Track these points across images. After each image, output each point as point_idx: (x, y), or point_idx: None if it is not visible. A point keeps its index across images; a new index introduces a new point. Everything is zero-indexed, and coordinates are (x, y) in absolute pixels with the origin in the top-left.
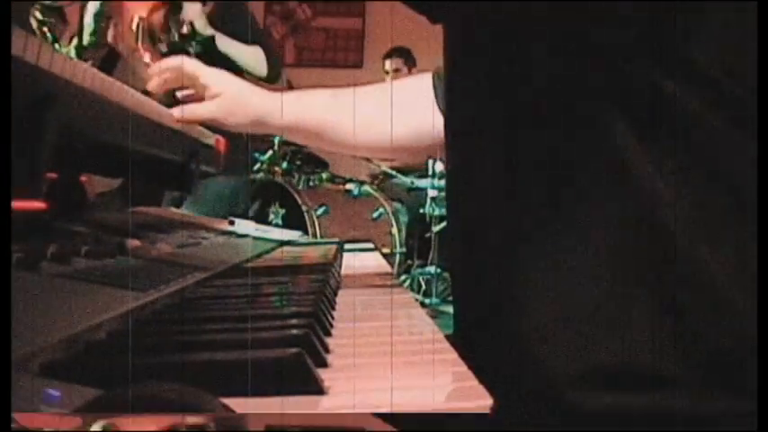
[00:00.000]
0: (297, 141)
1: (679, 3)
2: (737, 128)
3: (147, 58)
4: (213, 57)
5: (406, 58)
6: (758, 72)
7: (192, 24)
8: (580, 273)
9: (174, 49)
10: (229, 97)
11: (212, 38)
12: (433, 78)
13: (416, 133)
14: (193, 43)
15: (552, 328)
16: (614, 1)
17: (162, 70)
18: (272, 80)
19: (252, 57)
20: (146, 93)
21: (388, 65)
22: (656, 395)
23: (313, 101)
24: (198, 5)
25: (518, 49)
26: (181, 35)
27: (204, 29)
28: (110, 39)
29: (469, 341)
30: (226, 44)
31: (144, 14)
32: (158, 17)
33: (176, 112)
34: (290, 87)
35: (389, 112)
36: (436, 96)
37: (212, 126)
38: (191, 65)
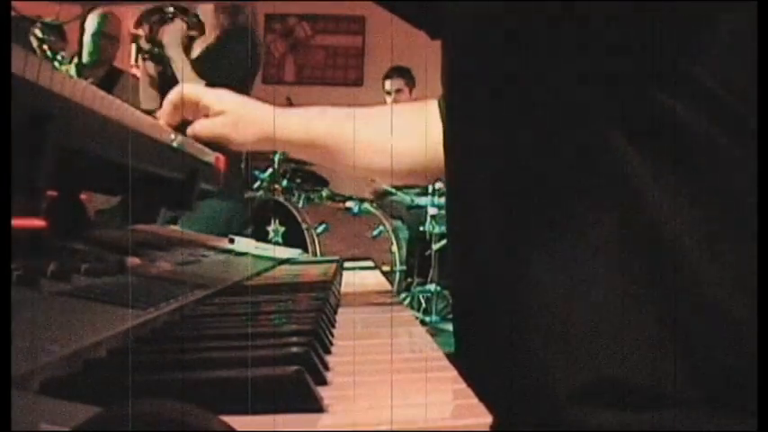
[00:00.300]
0: (302, 158)
1: (680, 15)
2: (738, 144)
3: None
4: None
5: (407, 78)
6: (758, 74)
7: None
8: (580, 288)
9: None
10: (233, 112)
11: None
12: (439, 104)
13: (423, 158)
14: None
15: (552, 344)
16: (613, 18)
17: (169, 106)
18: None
19: (189, 75)
20: (148, 112)
21: (388, 85)
22: (657, 413)
23: (321, 118)
24: (176, 27)
25: (517, 65)
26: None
27: (171, 54)
28: (112, 58)
29: (470, 359)
30: (175, 63)
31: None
32: (144, 30)
33: (188, 132)
34: (290, 105)
35: (397, 135)
36: (442, 120)
37: (220, 145)
38: (190, 90)
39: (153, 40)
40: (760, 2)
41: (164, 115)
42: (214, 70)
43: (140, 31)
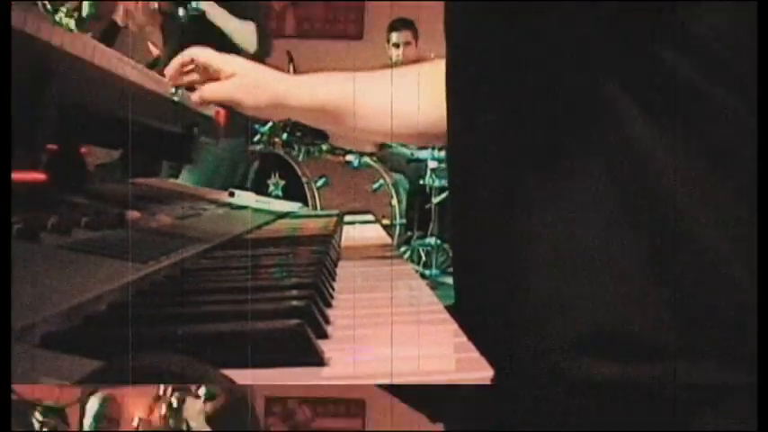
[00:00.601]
0: (314, 125)
1: None
2: (737, 99)
3: (154, 36)
4: (203, 29)
5: (413, 30)
6: (758, 72)
7: None
8: (579, 241)
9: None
10: (244, 76)
11: (202, 11)
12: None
13: (440, 119)
14: (182, 10)
15: (550, 295)
16: None
17: (175, 68)
18: (262, 56)
19: (243, 32)
20: (150, 66)
21: (395, 38)
22: (654, 364)
23: (332, 84)
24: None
25: (519, 22)
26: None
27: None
28: (118, 17)
29: (470, 311)
30: (217, 17)
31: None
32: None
33: (194, 96)
34: (291, 59)
35: (411, 96)
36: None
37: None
38: (201, 53)
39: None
40: (760, 2)
41: (170, 75)
42: None
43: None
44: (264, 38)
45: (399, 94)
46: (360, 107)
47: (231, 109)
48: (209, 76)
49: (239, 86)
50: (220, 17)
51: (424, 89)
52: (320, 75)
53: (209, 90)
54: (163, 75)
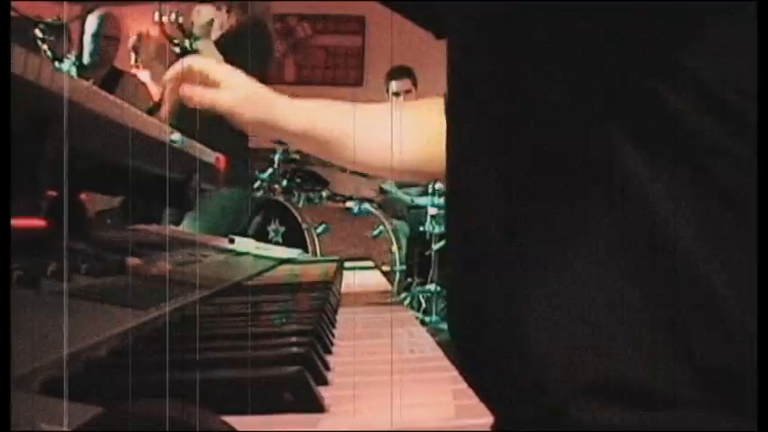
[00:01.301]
0: (303, 149)
1: (681, 13)
2: (739, 142)
3: (146, 77)
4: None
5: (412, 78)
6: (758, 73)
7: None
8: (580, 289)
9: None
10: (243, 90)
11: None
12: (445, 101)
13: (427, 155)
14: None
15: (549, 345)
16: (614, 16)
17: (173, 72)
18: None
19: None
20: (149, 112)
21: (396, 86)
22: (657, 414)
23: (325, 110)
24: (206, 10)
25: (522, 65)
26: (179, 26)
27: (201, 37)
28: (112, 58)
29: (466, 358)
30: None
31: (144, 32)
32: (159, 36)
33: (187, 89)
34: None
35: (403, 132)
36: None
37: (221, 116)
38: (201, 62)
39: (182, 28)
40: (760, 2)
41: (167, 81)
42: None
43: (164, 21)
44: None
45: (387, 127)
46: (356, 138)
47: (231, 157)
48: (207, 85)
49: (236, 98)
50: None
51: (416, 126)
52: (319, 101)
53: (204, 95)
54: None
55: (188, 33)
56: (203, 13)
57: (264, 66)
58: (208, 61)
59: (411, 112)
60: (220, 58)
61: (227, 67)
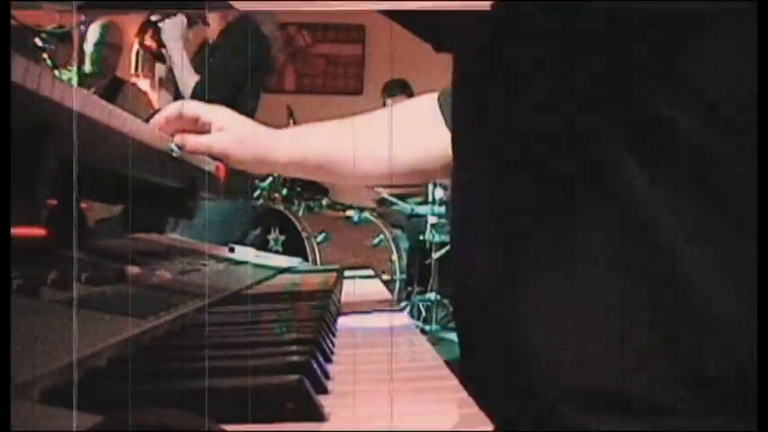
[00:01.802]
0: (300, 177)
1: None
2: (735, 153)
3: (146, 85)
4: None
5: (408, 93)
6: (758, 75)
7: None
8: (581, 297)
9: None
10: (234, 131)
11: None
12: (439, 99)
13: (422, 155)
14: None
15: (551, 351)
16: (615, 27)
17: (162, 119)
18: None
19: (187, 72)
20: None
21: (390, 104)
22: (656, 420)
23: (313, 136)
24: (178, 20)
25: (524, 78)
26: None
27: (171, 50)
28: (114, 68)
29: (473, 366)
30: (177, 73)
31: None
32: (150, 39)
33: (181, 139)
34: (291, 113)
35: (392, 137)
36: (444, 115)
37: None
38: (190, 106)
39: (156, 38)
40: (760, 2)
41: (156, 126)
42: (215, 67)
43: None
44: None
45: (379, 136)
46: (344, 154)
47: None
48: (197, 128)
49: (227, 141)
50: (179, 74)
51: (409, 126)
52: (307, 126)
53: (194, 141)
54: None
55: (160, 40)
56: (173, 23)
57: (263, 71)
58: (197, 105)
59: (402, 112)
60: (191, 70)
61: (216, 109)
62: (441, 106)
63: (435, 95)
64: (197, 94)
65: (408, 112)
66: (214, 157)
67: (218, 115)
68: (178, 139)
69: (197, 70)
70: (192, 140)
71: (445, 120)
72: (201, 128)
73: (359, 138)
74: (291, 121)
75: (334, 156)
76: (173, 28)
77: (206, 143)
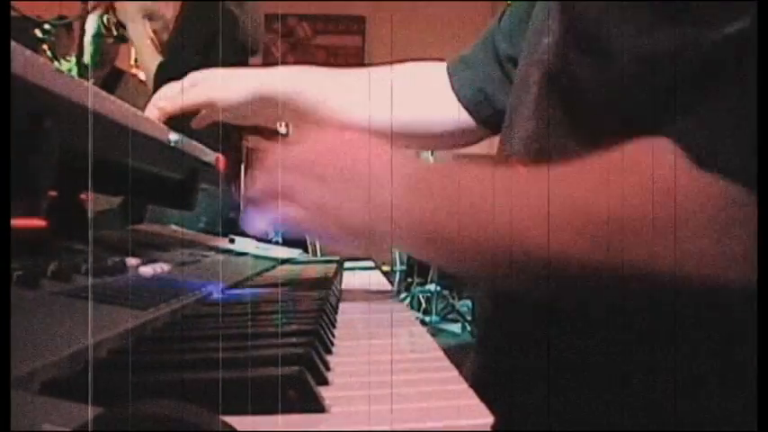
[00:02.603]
0: (294, 118)
1: None
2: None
3: (142, 75)
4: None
5: None
6: (758, 74)
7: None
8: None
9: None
10: (210, 79)
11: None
12: (448, 68)
13: (427, 120)
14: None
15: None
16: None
17: (154, 105)
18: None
19: (148, 52)
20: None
21: None
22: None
23: (313, 75)
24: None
25: None
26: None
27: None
28: (113, 58)
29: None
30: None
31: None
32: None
33: (166, 106)
34: None
35: (399, 94)
36: (452, 85)
37: (207, 110)
38: (169, 87)
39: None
40: (760, 2)
41: (151, 112)
42: (175, 44)
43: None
44: None
45: (377, 91)
46: (344, 100)
47: (230, 155)
48: (185, 108)
49: (211, 88)
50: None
51: (415, 89)
52: (294, 67)
53: (185, 97)
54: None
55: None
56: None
57: (242, 56)
58: (175, 84)
59: (410, 72)
60: (152, 50)
61: (193, 75)
62: (450, 75)
63: (444, 64)
64: (159, 76)
65: (416, 74)
66: (212, 146)
67: (201, 73)
68: (167, 107)
69: (158, 48)
70: (179, 100)
71: (452, 87)
72: (188, 90)
73: (366, 87)
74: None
75: (333, 97)
76: (131, 6)
77: (193, 97)
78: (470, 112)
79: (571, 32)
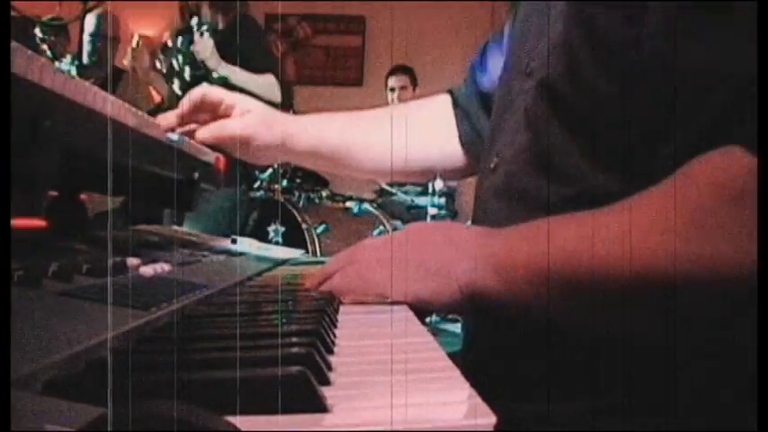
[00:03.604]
0: (313, 166)
1: None
2: None
3: (145, 76)
4: (203, 77)
5: (410, 76)
6: (758, 72)
7: (204, 63)
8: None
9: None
10: (258, 114)
11: (226, 78)
12: (453, 106)
13: (434, 153)
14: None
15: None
16: None
17: (186, 104)
18: (286, 106)
19: (265, 85)
20: (151, 113)
21: (392, 82)
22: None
23: (332, 124)
24: (209, 43)
25: None
26: (193, 75)
27: (217, 66)
28: (113, 58)
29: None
30: (241, 79)
31: (147, 33)
32: (158, 41)
33: (202, 132)
34: (291, 106)
35: (410, 132)
36: (456, 117)
37: (238, 144)
38: (213, 92)
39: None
40: (760, 2)
41: (181, 114)
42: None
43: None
44: (285, 88)
45: (402, 130)
46: (360, 146)
47: (230, 156)
48: (218, 114)
49: (254, 124)
50: (243, 79)
51: (423, 123)
52: (323, 115)
53: (218, 127)
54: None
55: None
56: (203, 48)
57: (260, 61)
58: (219, 90)
59: (417, 110)
60: (245, 72)
61: (238, 95)
62: (454, 106)
63: (448, 96)
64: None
65: (424, 110)
66: (217, 148)
67: (244, 100)
68: (200, 134)
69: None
70: (216, 126)
71: (456, 120)
72: (224, 113)
73: (377, 131)
74: (292, 112)
75: (349, 146)
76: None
77: (232, 127)
78: (468, 153)
79: (581, 30)
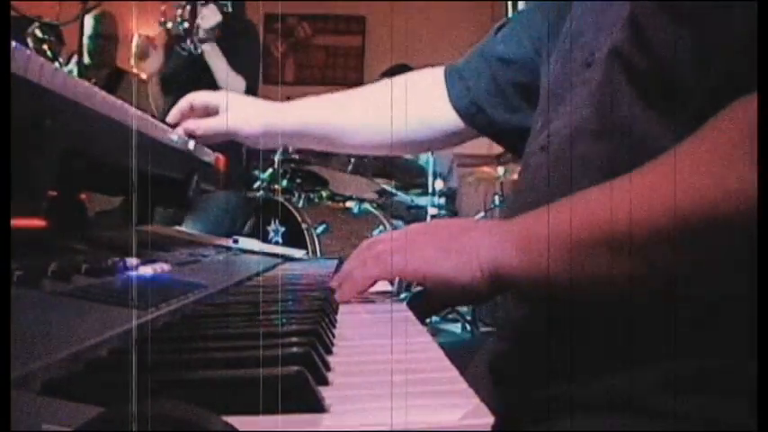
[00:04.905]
0: (305, 146)
1: None
2: None
3: (144, 74)
4: (195, 66)
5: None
6: (758, 71)
7: (197, 31)
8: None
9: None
10: (240, 108)
11: (204, 53)
12: (445, 73)
13: (424, 125)
14: (184, 44)
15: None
16: None
17: (177, 112)
18: None
19: (233, 83)
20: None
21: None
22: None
23: (320, 105)
24: (217, 17)
25: None
26: (185, 30)
27: (209, 40)
28: (113, 58)
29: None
30: (217, 64)
31: (148, 32)
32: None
33: (190, 124)
34: None
35: (396, 106)
36: (449, 90)
37: (226, 142)
38: (198, 96)
39: (187, 32)
40: (760, 2)
41: (172, 120)
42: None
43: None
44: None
45: (382, 105)
46: (347, 123)
47: (230, 157)
48: (208, 114)
49: (236, 119)
50: (219, 66)
51: (411, 97)
52: (309, 98)
53: (205, 124)
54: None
55: (193, 36)
56: (209, 17)
57: (256, 64)
58: (204, 93)
59: (403, 82)
60: (224, 61)
61: (221, 93)
62: (446, 79)
63: (442, 68)
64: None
65: (411, 83)
66: (220, 148)
67: (224, 98)
68: (190, 125)
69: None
70: (204, 123)
71: (449, 92)
72: (213, 112)
73: (361, 108)
74: None
75: (336, 125)
76: (208, 21)
77: (216, 123)
78: (466, 122)
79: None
